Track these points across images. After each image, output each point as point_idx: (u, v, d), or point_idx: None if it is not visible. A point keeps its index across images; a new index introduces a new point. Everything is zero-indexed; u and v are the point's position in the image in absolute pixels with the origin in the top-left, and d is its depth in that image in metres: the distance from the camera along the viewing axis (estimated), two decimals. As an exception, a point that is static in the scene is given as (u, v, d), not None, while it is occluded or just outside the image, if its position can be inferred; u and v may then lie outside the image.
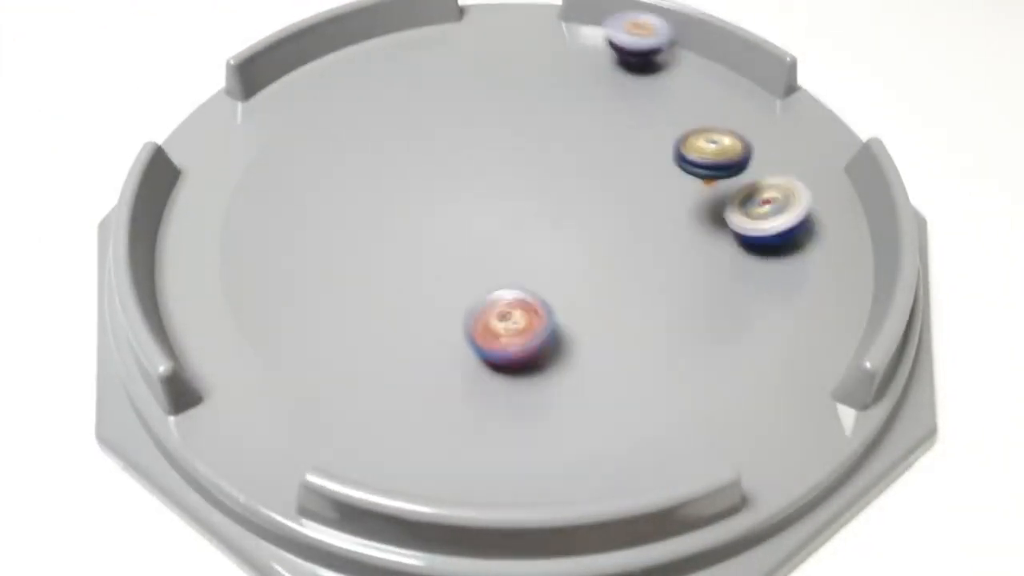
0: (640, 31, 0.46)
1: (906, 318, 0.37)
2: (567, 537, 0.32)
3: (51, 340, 0.40)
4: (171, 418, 0.35)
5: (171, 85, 0.50)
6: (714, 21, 0.48)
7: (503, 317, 0.36)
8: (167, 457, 0.35)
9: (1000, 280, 0.42)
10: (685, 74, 0.48)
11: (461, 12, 0.51)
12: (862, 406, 0.35)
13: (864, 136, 0.44)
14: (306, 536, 0.32)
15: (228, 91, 0.46)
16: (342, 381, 0.36)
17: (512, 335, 0.36)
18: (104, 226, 0.42)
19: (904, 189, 0.40)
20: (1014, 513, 0.35)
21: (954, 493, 0.36)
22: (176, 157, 0.43)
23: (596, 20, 0.50)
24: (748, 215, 0.40)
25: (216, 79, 0.47)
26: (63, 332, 0.40)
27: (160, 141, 0.43)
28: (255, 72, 0.46)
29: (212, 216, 0.41)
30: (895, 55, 0.53)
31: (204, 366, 0.37)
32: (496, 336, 0.36)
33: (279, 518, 0.33)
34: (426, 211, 0.42)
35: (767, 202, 0.40)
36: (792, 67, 0.46)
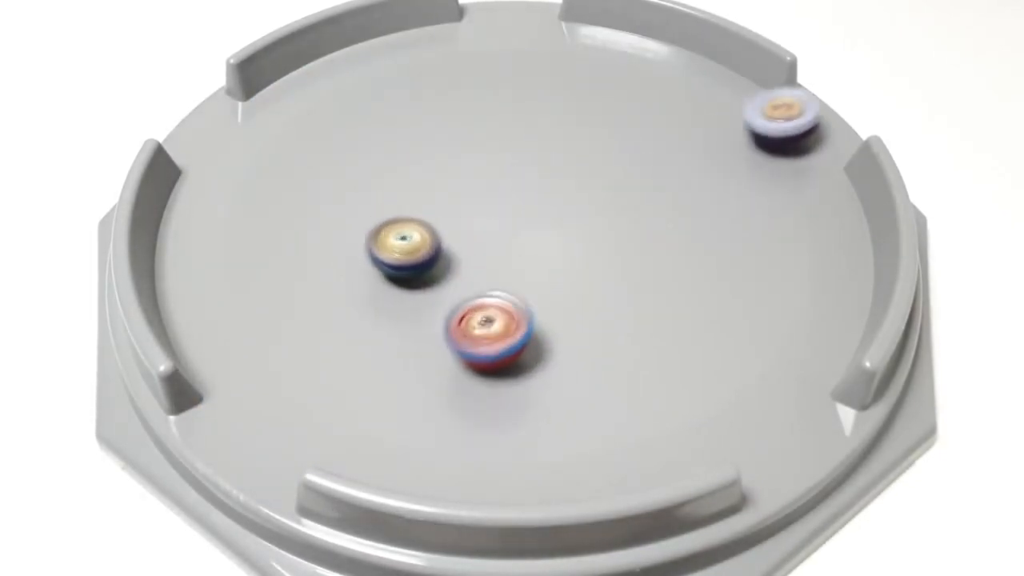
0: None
1: (906, 317, 0.37)
2: (567, 536, 0.32)
3: (51, 340, 0.40)
4: (171, 418, 0.35)
5: (171, 85, 0.50)
6: (714, 20, 0.48)
7: (484, 321, 0.36)
8: (167, 457, 0.35)
9: (1000, 279, 0.42)
10: (685, 73, 0.48)
11: (461, 12, 0.51)
12: (862, 406, 0.35)
13: (864, 135, 0.44)
14: (306, 536, 0.33)
15: (228, 91, 0.46)
16: (342, 381, 0.36)
17: (490, 339, 0.36)
18: (104, 224, 0.42)
19: (904, 188, 0.40)
20: (1014, 513, 0.35)
21: (954, 493, 0.36)
22: (176, 156, 0.43)
23: (596, 20, 0.50)
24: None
25: (216, 79, 0.47)
26: (63, 332, 0.40)
27: (160, 140, 0.43)
28: (255, 72, 0.46)
29: (212, 215, 0.41)
30: (895, 54, 0.53)
31: (204, 366, 0.37)
32: (472, 338, 0.36)
33: (279, 518, 0.33)
34: (425, 211, 0.42)
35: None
36: (792, 66, 0.46)
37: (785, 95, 0.43)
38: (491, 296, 0.37)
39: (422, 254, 0.38)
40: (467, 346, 0.36)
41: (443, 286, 0.39)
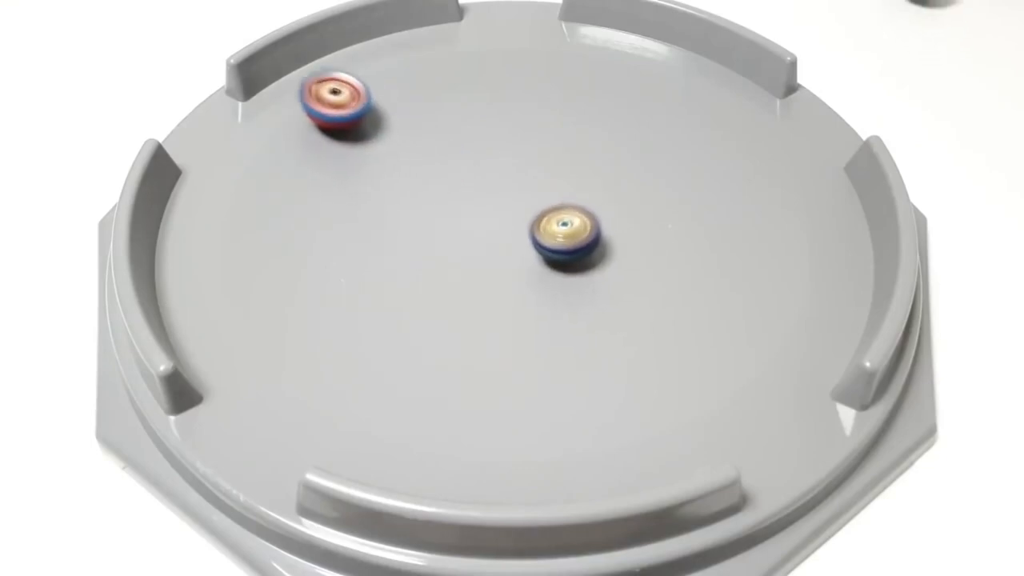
0: None
1: (905, 317, 0.37)
2: (567, 536, 0.32)
3: (51, 340, 0.40)
4: (171, 418, 0.35)
5: (171, 85, 0.50)
6: (714, 21, 0.48)
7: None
8: (167, 457, 0.35)
9: (1000, 279, 0.42)
10: (685, 74, 0.48)
11: (461, 12, 0.51)
12: (861, 406, 0.35)
13: (864, 135, 0.44)
14: (306, 536, 0.33)
15: (228, 91, 0.46)
16: (342, 380, 0.36)
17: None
18: (104, 225, 0.42)
19: (904, 188, 0.40)
20: (1014, 513, 0.35)
21: (954, 493, 0.36)
22: (176, 156, 0.43)
23: (596, 20, 0.50)
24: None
25: (216, 79, 0.47)
26: (63, 332, 0.40)
27: (160, 140, 0.43)
28: (255, 72, 0.46)
29: (213, 215, 0.41)
30: (895, 54, 0.53)
31: (204, 366, 0.37)
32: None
33: (279, 518, 0.33)
34: (425, 211, 0.42)
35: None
36: (792, 67, 0.46)
37: None
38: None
39: (582, 238, 0.39)
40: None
41: (442, 284, 0.39)
